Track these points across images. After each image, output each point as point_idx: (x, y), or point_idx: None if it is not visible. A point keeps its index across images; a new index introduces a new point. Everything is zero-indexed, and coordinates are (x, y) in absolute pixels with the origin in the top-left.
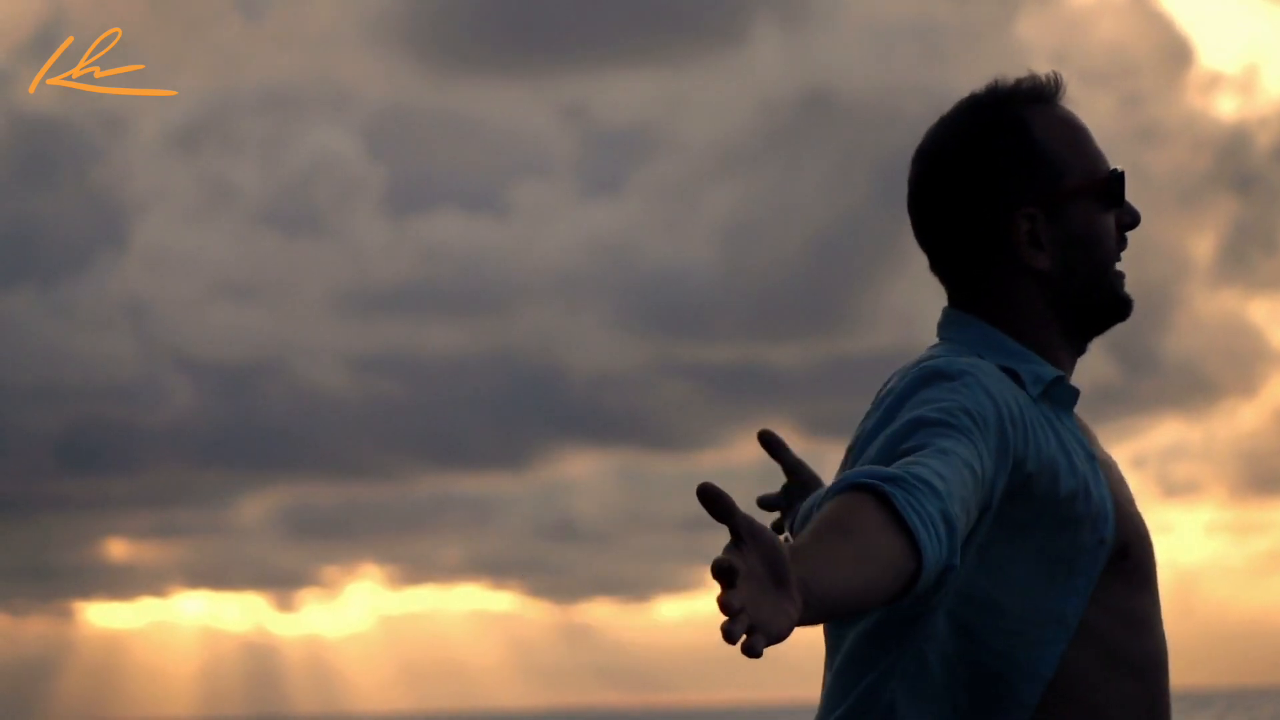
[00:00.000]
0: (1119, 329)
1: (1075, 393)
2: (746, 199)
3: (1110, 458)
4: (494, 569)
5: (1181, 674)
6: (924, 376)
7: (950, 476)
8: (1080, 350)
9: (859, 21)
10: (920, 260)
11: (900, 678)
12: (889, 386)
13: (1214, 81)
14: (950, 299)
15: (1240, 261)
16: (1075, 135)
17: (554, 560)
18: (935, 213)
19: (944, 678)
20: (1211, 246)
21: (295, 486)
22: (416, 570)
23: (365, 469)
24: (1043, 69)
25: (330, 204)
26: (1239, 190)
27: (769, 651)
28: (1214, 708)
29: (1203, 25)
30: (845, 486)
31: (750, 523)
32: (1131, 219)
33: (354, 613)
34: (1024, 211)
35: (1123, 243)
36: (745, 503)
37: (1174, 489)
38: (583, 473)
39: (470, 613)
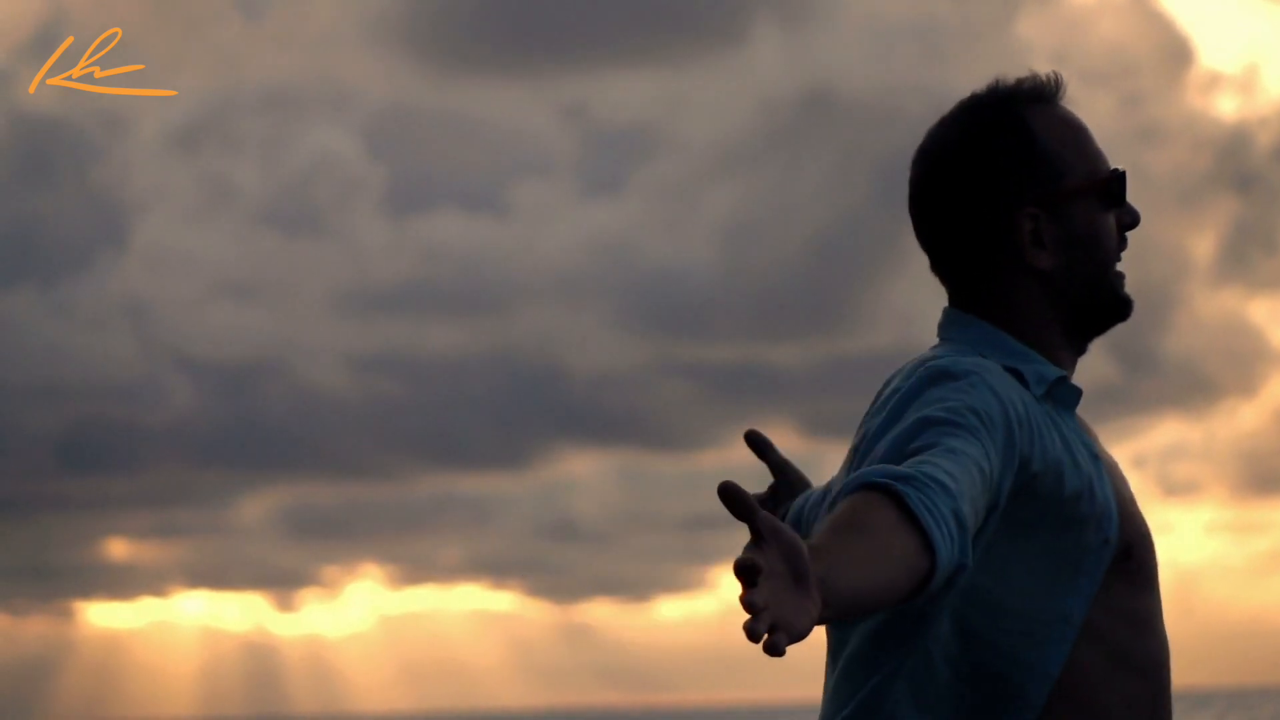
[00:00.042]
0: (1119, 329)
1: (1078, 392)
2: (746, 199)
3: (1111, 458)
4: (494, 569)
5: (1181, 674)
6: (930, 376)
7: (961, 476)
8: (1081, 350)
9: (859, 21)
10: (920, 260)
11: (906, 679)
12: (892, 386)
13: (1214, 81)
14: (951, 299)
15: (1240, 261)
16: (1076, 135)
17: (554, 560)
18: (937, 213)
19: (950, 678)
20: (1212, 246)
21: (295, 486)
22: (417, 570)
23: (365, 469)
24: (1043, 69)
25: (330, 204)
26: (1239, 190)
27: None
28: (1214, 708)
29: (1203, 25)
30: (858, 485)
31: (771, 521)
32: (1132, 219)
33: (354, 612)
34: (1027, 211)
35: (1123, 243)
36: None
37: (1174, 489)
38: (583, 473)
39: (470, 612)
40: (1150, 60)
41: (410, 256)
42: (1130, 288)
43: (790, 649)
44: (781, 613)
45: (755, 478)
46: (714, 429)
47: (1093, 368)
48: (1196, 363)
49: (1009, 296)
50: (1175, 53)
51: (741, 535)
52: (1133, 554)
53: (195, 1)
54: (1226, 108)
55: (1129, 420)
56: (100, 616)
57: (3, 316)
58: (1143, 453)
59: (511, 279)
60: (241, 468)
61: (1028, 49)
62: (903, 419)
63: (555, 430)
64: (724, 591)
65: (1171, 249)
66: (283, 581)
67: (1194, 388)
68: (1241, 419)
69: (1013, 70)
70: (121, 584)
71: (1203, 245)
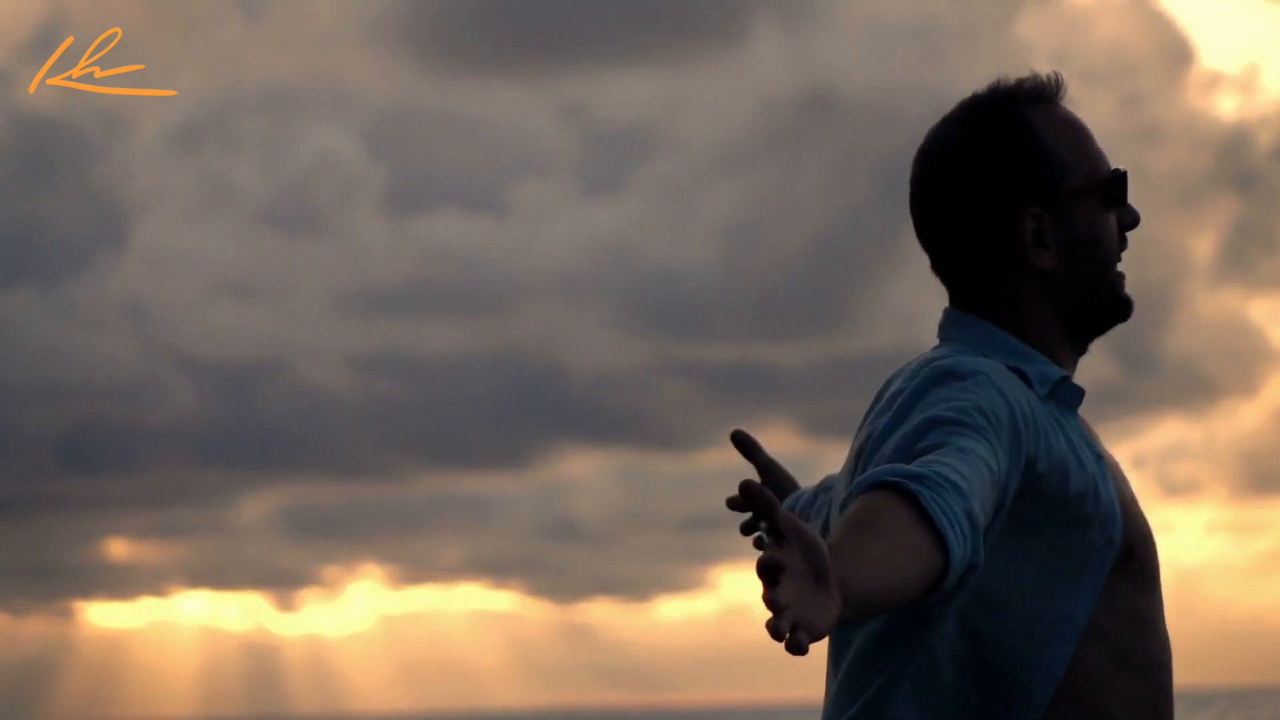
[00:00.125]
0: (1119, 329)
1: (1081, 392)
2: (746, 199)
3: (1112, 458)
4: (494, 569)
5: (1181, 674)
6: (936, 376)
7: (971, 475)
8: (1082, 350)
9: (859, 21)
10: (921, 260)
11: (911, 679)
12: (895, 387)
13: (1214, 81)
14: (952, 299)
15: (1240, 261)
16: (1077, 135)
17: (554, 560)
18: (938, 213)
19: (954, 678)
20: (1212, 246)
21: (295, 486)
22: (417, 570)
23: (365, 469)
24: (1043, 69)
25: (330, 204)
26: (1239, 190)
27: (767, 651)
28: (1214, 708)
29: (1203, 25)
30: (870, 485)
31: (792, 520)
32: (1132, 219)
33: (354, 612)
34: (1029, 211)
35: (1123, 243)
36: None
37: (1174, 489)
38: (583, 473)
39: (470, 612)
40: (1150, 60)
41: (410, 256)
42: (1130, 288)
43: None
44: (803, 612)
45: (754, 477)
46: (714, 429)
47: (1093, 368)
48: (1197, 363)
49: (1011, 296)
50: (1175, 53)
51: (740, 535)
52: (1135, 554)
53: (195, 1)
54: (1227, 107)
55: (1129, 420)
56: (100, 616)
57: (3, 316)
58: (1143, 453)
59: (511, 279)
60: (241, 468)
61: (1028, 49)
62: (909, 419)
63: (555, 430)
64: (724, 591)
65: (1172, 249)
66: (283, 581)
67: (1194, 388)
68: (1242, 419)
69: (1013, 70)
70: (121, 584)
71: (1203, 245)
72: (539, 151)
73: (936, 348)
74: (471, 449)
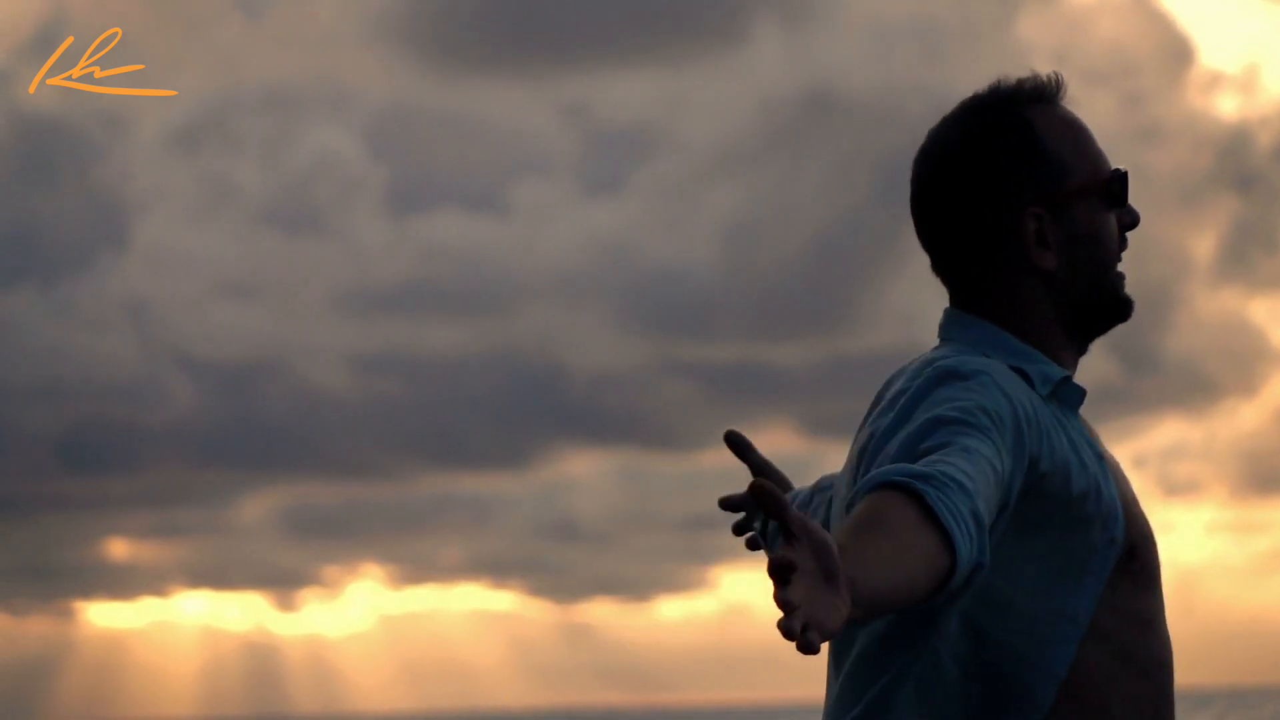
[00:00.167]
0: (1119, 328)
1: (1082, 393)
2: (747, 199)
3: (1113, 458)
4: (494, 569)
5: (1182, 674)
6: (938, 376)
7: (976, 475)
8: (1082, 350)
9: (859, 21)
10: (921, 260)
11: (915, 679)
12: (897, 387)
13: (1215, 81)
14: (952, 299)
15: (1241, 261)
16: (1078, 135)
17: (554, 560)
18: (940, 213)
19: (958, 678)
20: (1212, 246)
21: (296, 486)
22: (417, 570)
23: (366, 469)
24: (1043, 68)
25: (331, 204)
26: (1240, 190)
27: (766, 651)
28: (1214, 708)
29: (1203, 24)
30: (876, 484)
31: (803, 520)
32: (1132, 219)
33: (355, 612)
34: (1030, 211)
35: (1123, 243)
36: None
37: (1175, 488)
38: (583, 473)
39: (471, 612)
40: (1151, 60)
41: (410, 256)
42: (1130, 288)
43: (787, 648)
44: (814, 611)
45: (748, 477)
46: (714, 429)
47: (1093, 367)
48: (1197, 362)
49: (1012, 296)
50: (1176, 52)
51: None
52: (1137, 554)
53: (195, 1)
54: (1227, 107)
55: (1130, 420)
56: (101, 616)
57: (3, 316)
58: (1143, 452)
59: (512, 279)
60: (242, 468)
61: (1028, 49)
62: (912, 419)
63: (555, 430)
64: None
65: (1172, 249)
66: (283, 581)
67: (1194, 387)
68: (1242, 419)
69: (1013, 70)
70: (122, 584)
71: (1203, 245)
72: (539, 151)
73: (937, 348)
74: (472, 449)
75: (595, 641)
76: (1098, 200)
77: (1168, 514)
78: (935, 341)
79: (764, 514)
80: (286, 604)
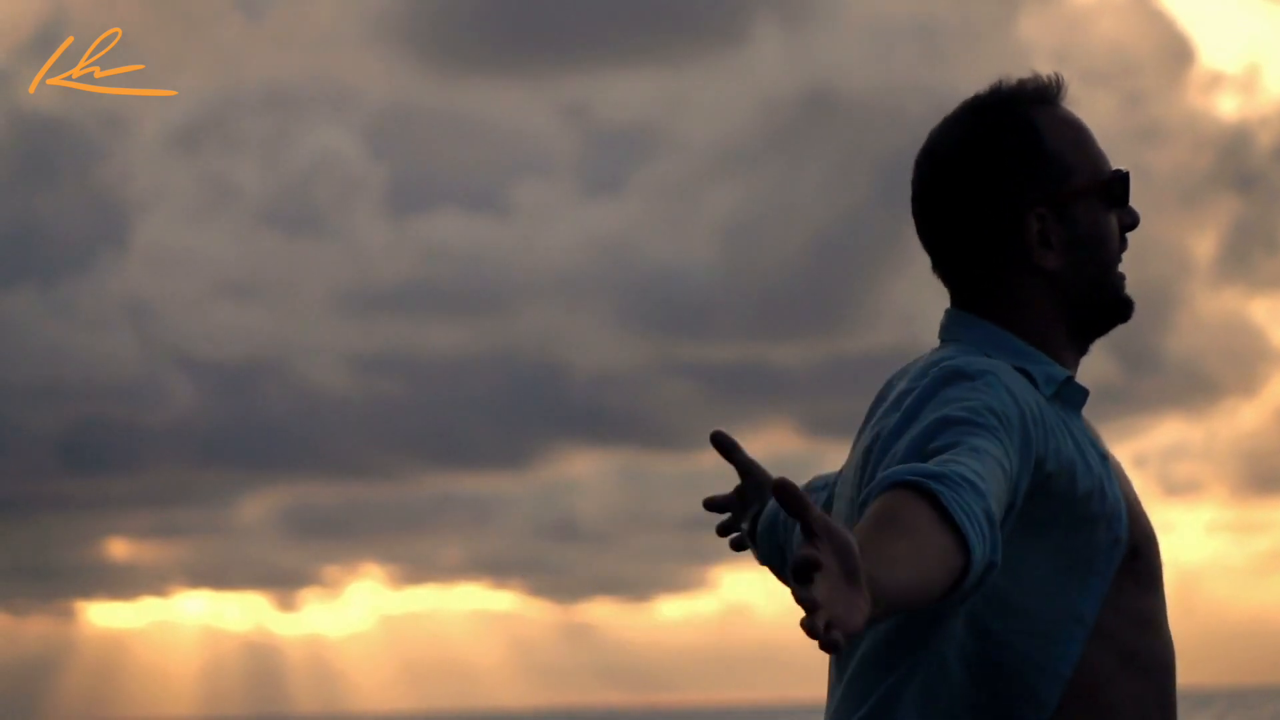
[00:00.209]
0: (1120, 328)
1: (1085, 393)
2: (747, 198)
3: (1114, 458)
4: (495, 568)
5: (1182, 674)
6: (945, 376)
7: (987, 475)
8: (1083, 351)
9: (859, 21)
10: (921, 260)
11: (921, 680)
12: (902, 387)
13: (1215, 81)
14: (953, 300)
15: (1241, 261)
16: (1079, 136)
17: (555, 560)
18: (942, 214)
19: (964, 679)
20: (1213, 246)
21: (296, 486)
22: (417, 570)
23: (366, 469)
24: (1043, 68)
25: (331, 203)
26: (1240, 190)
27: (766, 651)
28: (1214, 707)
29: (1204, 24)
30: (889, 484)
31: (824, 519)
32: (1133, 220)
33: (355, 612)
34: (1034, 211)
35: (1123, 244)
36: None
37: (1175, 488)
38: (583, 472)
39: (471, 612)
40: (1151, 60)
41: (411, 256)
42: (1131, 288)
43: (787, 648)
44: (836, 610)
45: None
46: (714, 429)
47: (1094, 367)
48: (1197, 362)
49: (1014, 297)
50: (1176, 52)
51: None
52: (1141, 554)
53: (195, 1)
54: (1227, 107)
55: (1130, 420)
56: (101, 616)
57: (3, 316)
58: (1144, 452)
59: (512, 279)
60: (242, 468)
61: (1028, 49)
62: (920, 418)
63: (555, 430)
64: (724, 591)
65: (1172, 249)
66: (283, 581)
67: (1195, 387)
68: (1242, 419)
69: (1014, 70)
70: (122, 584)
71: (1204, 245)
72: (539, 151)
73: (939, 349)
74: (472, 449)
75: (595, 641)
76: (1099, 201)
77: (1168, 514)
78: (936, 342)
79: (787, 512)
80: (287, 604)
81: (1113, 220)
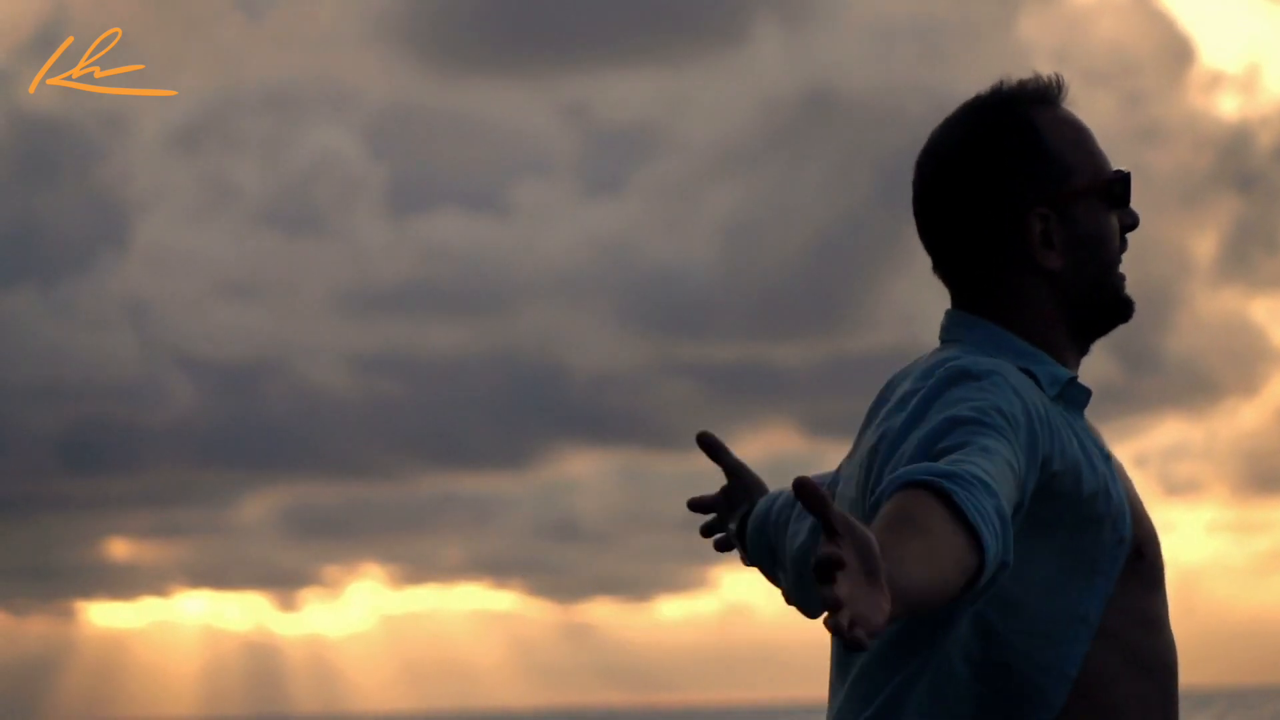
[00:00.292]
0: (1120, 328)
1: (1088, 393)
2: (747, 198)
3: (1116, 458)
4: (495, 568)
5: (1182, 674)
6: (951, 376)
7: (997, 475)
8: (1083, 351)
9: (860, 21)
10: (922, 260)
11: (927, 681)
12: (905, 388)
13: (1215, 81)
14: (954, 300)
15: (1242, 261)
16: (1080, 136)
17: (555, 560)
18: (943, 214)
19: (969, 679)
20: (1213, 246)
21: (296, 486)
22: (418, 570)
23: (366, 469)
24: (1044, 68)
25: (331, 203)
26: (1240, 189)
27: (766, 651)
28: (1215, 707)
29: (1204, 24)
30: (903, 484)
31: (845, 517)
32: (1133, 220)
33: (355, 612)
34: (1036, 211)
35: (1123, 244)
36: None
37: (1175, 488)
38: (583, 472)
39: (471, 612)
40: (1151, 60)
41: (411, 256)
42: (1131, 287)
43: (787, 648)
44: (859, 609)
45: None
46: (715, 429)
47: (1094, 367)
48: (1198, 362)
49: (1016, 297)
50: (1176, 52)
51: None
52: (1145, 554)
53: (195, 1)
54: (1228, 107)
55: (1130, 420)
56: (101, 616)
57: (3, 316)
58: (1144, 452)
59: (512, 279)
60: (242, 468)
61: (1028, 49)
62: (927, 419)
63: (555, 430)
64: (724, 591)
65: (1173, 248)
66: (284, 581)
67: (1195, 387)
68: (1243, 418)
69: (1014, 70)
70: (123, 584)
71: (1204, 245)
72: (540, 151)
73: (940, 349)
74: (472, 449)
75: (595, 641)
76: (1100, 201)
77: (1168, 514)
78: (936, 342)
79: (807, 510)
80: (287, 604)
81: (1113, 221)
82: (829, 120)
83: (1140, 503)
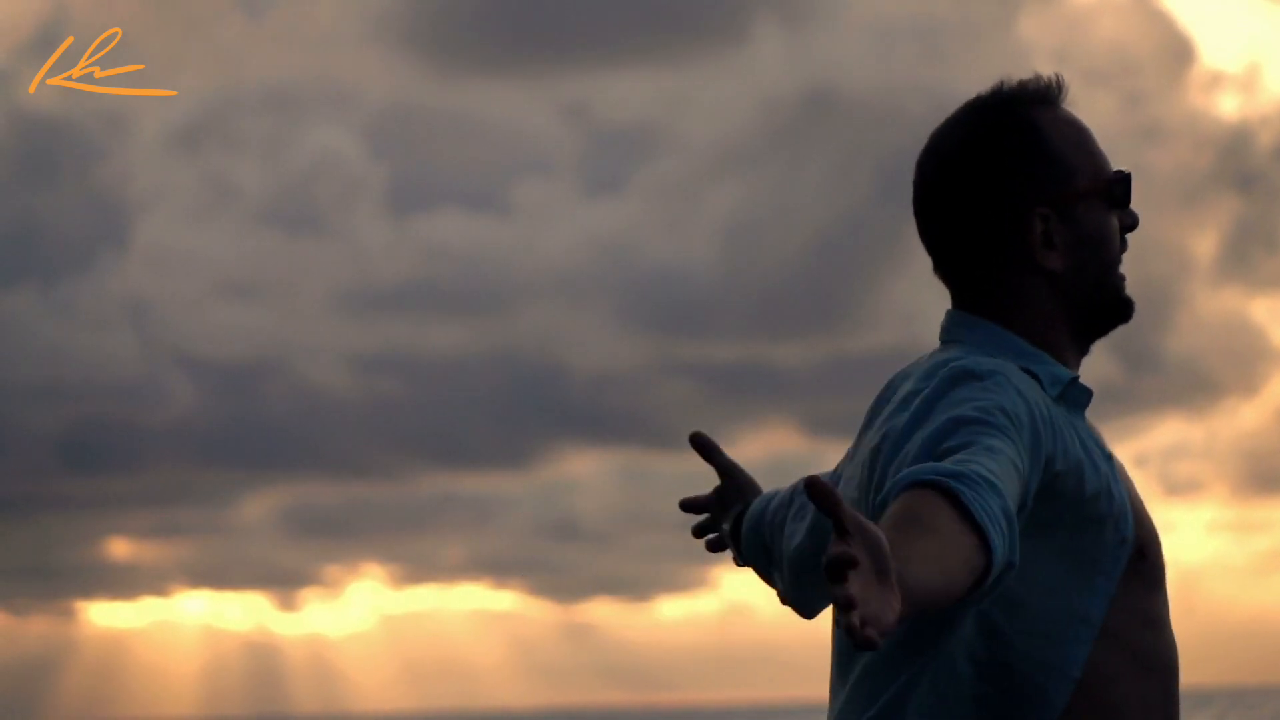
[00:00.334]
0: (1121, 328)
1: (1090, 394)
2: (748, 198)
3: (1117, 458)
4: (495, 568)
5: (1183, 673)
6: (954, 376)
7: (1002, 475)
8: (1084, 351)
9: (860, 21)
10: (922, 260)
11: (930, 681)
12: (908, 388)
13: (1215, 80)
14: (955, 301)
15: (1242, 260)
16: (1081, 136)
17: (555, 560)
18: (945, 214)
19: (973, 680)
20: (1213, 245)
21: (297, 486)
22: (418, 569)
23: (367, 468)
24: (1044, 68)
25: (332, 203)
26: (1240, 189)
27: (766, 651)
28: (1215, 707)
29: (1204, 24)
30: (910, 483)
31: (856, 517)
32: (1133, 221)
33: (356, 612)
34: (1037, 212)
35: (1123, 245)
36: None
37: (1176, 488)
38: (584, 472)
39: (472, 612)
40: (1152, 60)
41: (411, 256)
42: (1131, 288)
43: (787, 648)
44: (870, 608)
45: (758, 476)
46: (715, 429)
47: (1095, 367)
48: (1198, 362)
49: (1018, 297)
50: (1177, 52)
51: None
52: (1146, 554)
53: (195, 1)
54: (1228, 107)
55: (1131, 419)
56: (102, 616)
57: (3, 316)
58: (1144, 452)
59: (512, 279)
60: (242, 467)
61: (1029, 49)
62: (931, 419)
63: (556, 430)
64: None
65: (1173, 248)
66: (284, 581)
67: (1195, 387)
68: (1243, 418)
69: (1014, 70)
70: (123, 583)
71: (1204, 244)
72: (540, 151)
73: (941, 349)
74: (472, 449)
75: (596, 641)
76: (1101, 201)
77: (1169, 513)
78: (936, 342)
79: (819, 510)
80: (287, 604)
81: (1114, 221)
82: (829, 120)
83: (1141, 503)
